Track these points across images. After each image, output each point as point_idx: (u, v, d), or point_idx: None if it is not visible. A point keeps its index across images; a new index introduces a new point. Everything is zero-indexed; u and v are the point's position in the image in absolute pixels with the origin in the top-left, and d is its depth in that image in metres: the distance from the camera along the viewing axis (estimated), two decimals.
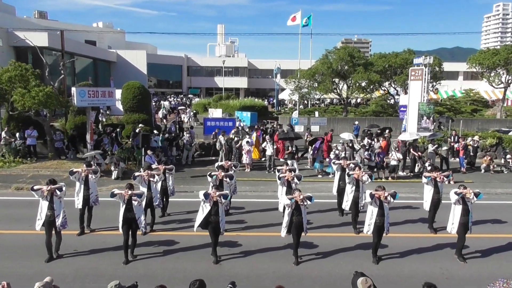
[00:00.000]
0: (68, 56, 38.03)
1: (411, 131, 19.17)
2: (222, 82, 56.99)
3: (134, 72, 56.29)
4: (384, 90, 39.18)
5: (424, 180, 10.31)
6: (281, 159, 17.56)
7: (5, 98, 17.42)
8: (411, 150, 17.16)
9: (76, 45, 46.30)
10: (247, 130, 22.15)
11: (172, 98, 51.40)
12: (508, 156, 18.11)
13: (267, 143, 17.57)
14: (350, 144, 17.36)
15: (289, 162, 13.49)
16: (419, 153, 17.24)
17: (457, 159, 18.46)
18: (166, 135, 19.19)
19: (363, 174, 10.16)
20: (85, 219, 9.94)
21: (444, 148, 17.27)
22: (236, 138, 18.16)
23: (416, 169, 17.19)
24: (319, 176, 16.53)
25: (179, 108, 39.02)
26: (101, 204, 10.30)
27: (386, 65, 35.06)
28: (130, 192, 8.27)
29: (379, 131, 21.04)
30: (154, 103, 30.39)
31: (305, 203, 8.23)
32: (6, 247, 9.01)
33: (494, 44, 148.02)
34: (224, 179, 10.40)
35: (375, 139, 17.94)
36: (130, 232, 8.35)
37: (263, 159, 18.74)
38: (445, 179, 10.53)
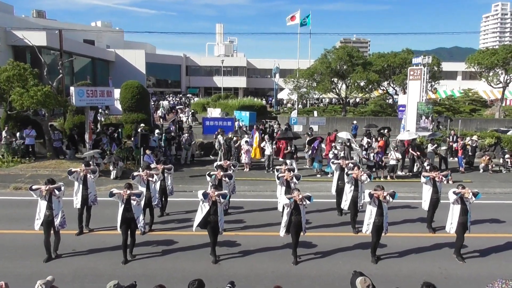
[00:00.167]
0: (67, 55, 38.01)
1: (410, 131, 19.16)
2: (221, 81, 56.87)
3: (133, 72, 56.25)
4: (383, 89, 39.14)
5: (422, 179, 10.32)
6: (280, 159, 17.55)
7: (3, 97, 17.35)
8: (410, 149, 17.18)
9: (74, 45, 46.27)
10: (245, 129, 22.12)
11: (171, 98, 51.34)
12: (507, 155, 18.14)
13: (266, 142, 17.57)
14: (348, 144, 17.36)
15: (288, 161, 13.47)
16: (418, 153, 17.26)
17: (456, 159, 18.47)
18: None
19: (362, 174, 10.17)
20: (83, 219, 9.93)
21: (443, 147, 17.28)
22: (234, 138, 18.16)
23: (415, 169, 17.21)
24: (318, 175, 16.53)
25: (178, 107, 39.01)
26: (100, 203, 10.30)
27: (385, 64, 35.02)
28: (129, 191, 8.26)
29: (380, 131, 21.00)
30: (152, 103, 30.34)
31: (304, 203, 8.24)
32: (5, 247, 8.99)
33: (492, 44, 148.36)
34: (223, 178, 10.41)
35: (374, 139, 17.93)
36: (129, 232, 8.35)
37: (263, 159, 18.72)
38: (444, 178, 10.53)
